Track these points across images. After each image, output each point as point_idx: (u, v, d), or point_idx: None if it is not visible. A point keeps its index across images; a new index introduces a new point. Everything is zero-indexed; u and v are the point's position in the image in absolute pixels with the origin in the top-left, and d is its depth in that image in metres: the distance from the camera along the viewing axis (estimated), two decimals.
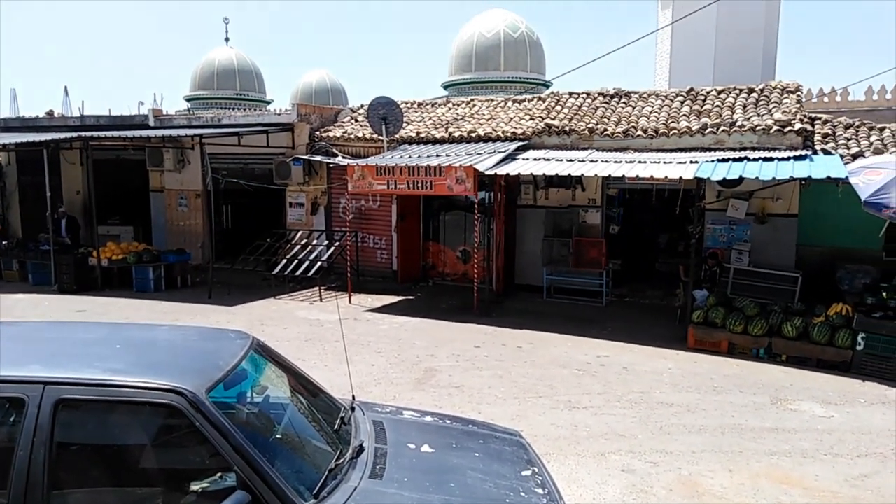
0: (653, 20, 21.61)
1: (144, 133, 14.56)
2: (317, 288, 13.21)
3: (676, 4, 18.93)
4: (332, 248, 13.97)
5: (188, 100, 30.62)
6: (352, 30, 72.28)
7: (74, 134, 13.62)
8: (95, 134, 13.66)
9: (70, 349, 3.45)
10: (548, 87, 26.95)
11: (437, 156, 12.26)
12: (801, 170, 9.33)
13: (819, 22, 56.24)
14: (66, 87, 19.40)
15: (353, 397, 4.10)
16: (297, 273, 13.42)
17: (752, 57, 19.36)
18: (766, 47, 19.65)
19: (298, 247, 14.19)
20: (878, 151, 10.61)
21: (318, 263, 13.48)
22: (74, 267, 13.41)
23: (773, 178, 9.21)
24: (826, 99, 14.73)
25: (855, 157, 10.54)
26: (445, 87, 28.48)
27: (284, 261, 13.73)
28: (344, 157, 14.09)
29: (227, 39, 31.96)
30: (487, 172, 10.96)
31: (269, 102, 31.90)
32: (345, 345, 7.86)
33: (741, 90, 13.04)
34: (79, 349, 3.45)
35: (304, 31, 72.26)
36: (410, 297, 13.00)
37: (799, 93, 12.60)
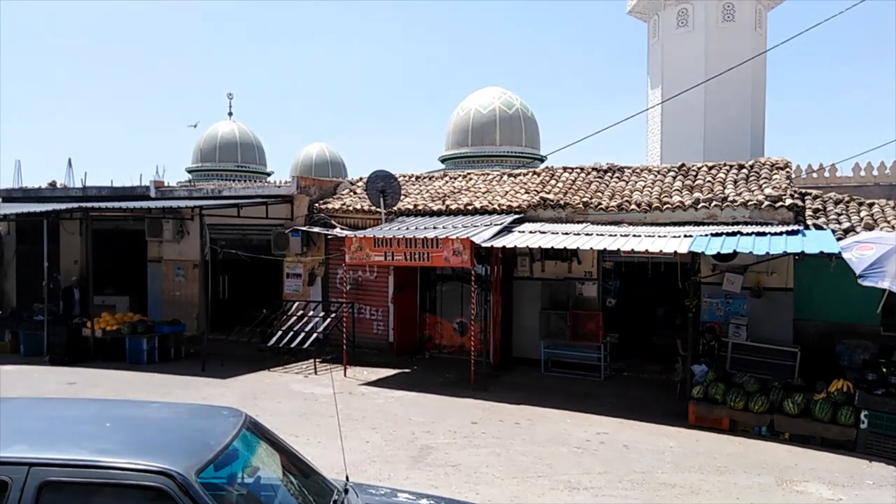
0: (643, 96, 22.38)
1: (145, 204, 14.73)
2: (312, 360, 13.05)
3: (665, 85, 19.64)
4: (329, 320, 13.89)
5: (190, 171, 31.15)
6: (352, 104, 74.55)
7: (75, 205, 13.78)
8: (96, 205, 13.82)
9: (58, 428, 3.38)
10: (542, 161, 27.56)
11: (435, 228, 12.39)
12: (794, 244, 9.43)
13: (805, 100, 58.27)
14: (69, 160, 19.73)
15: (347, 478, 3.99)
16: (293, 345, 13.29)
17: (741, 133, 19.96)
18: (754, 124, 20.28)
19: (294, 318, 14.11)
20: (868, 227, 10.77)
21: (314, 335, 13.37)
22: (67, 338, 13.27)
23: (767, 253, 9.30)
24: (815, 175, 15.08)
25: (846, 232, 10.68)
26: (443, 161, 29.08)
27: (280, 332, 13.62)
28: (342, 229, 14.22)
29: (230, 113, 32.83)
30: (484, 245, 11.05)
31: (269, 174, 32.46)
32: (339, 421, 7.70)
33: (732, 166, 13.34)
34: (67, 428, 3.38)
35: (306, 105, 74.49)
36: (406, 371, 12.83)
37: (788, 169, 12.89)
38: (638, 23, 23.06)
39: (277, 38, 73.89)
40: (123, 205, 14.45)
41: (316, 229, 14.67)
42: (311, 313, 14.25)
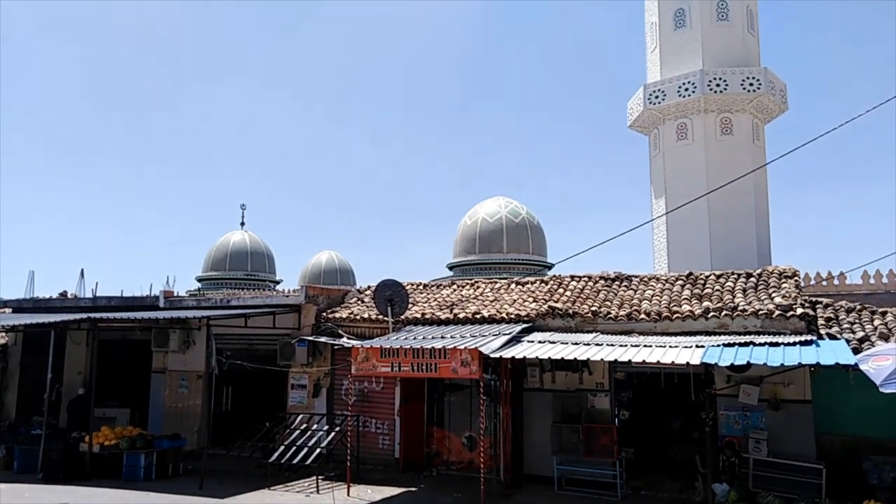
0: (648, 204, 22.81)
1: (152, 314, 14.76)
2: (314, 477, 12.52)
3: (669, 195, 20.06)
4: (333, 434, 13.47)
5: (200, 280, 31.50)
6: (362, 212, 76.50)
7: (83, 315, 13.81)
8: (104, 315, 13.85)
9: None
10: (550, 268, 27.72)
11: (442, 337, 12.26)
12: (808, 355, 9.22)
13: (810, 208, 59.35)
14: (82, 270, 20.07)
15: None
16: (295, 461, 12.81)
17: (747, 242, 20.12)
18: (760, 233, 20.48)
19: (298, 431, 13.70)
20: (883, 336, 10.57)
21: (318, 450, 12.91)
22: (63, 453, 12.87)
23: (782, 364, 9.07)
24: (824, 283, 15.01)
25: (861, 341, 10.47)
26: (451, 268, 29.33)
27: (282, 447, 13.17)
28: (349, 339, 14.09)
29: (242, 223, 33.65)
30: (493, 355, 10.86)
31: (278, 282, 32.77)
32: None
33: (740, 274, 13.34)
34: None
35: (317, 213, 76.47)
36: (413, 489, 12.25)
37: (797, 277, 12.87)
38: (640, 135, 23.94)
39: (290, 149, 77.11)
40: (131, 315, 14.48)
41: (323, 339, 14.55)
42: (314, 426, 13.85)
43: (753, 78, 20.49)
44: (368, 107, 77.52)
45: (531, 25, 73.03)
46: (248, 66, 73.77)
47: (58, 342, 15.02)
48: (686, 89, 20.83)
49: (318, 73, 76.99)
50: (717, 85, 20.48)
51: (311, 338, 14.75)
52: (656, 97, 21.45)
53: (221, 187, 71.41)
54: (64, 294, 18.41)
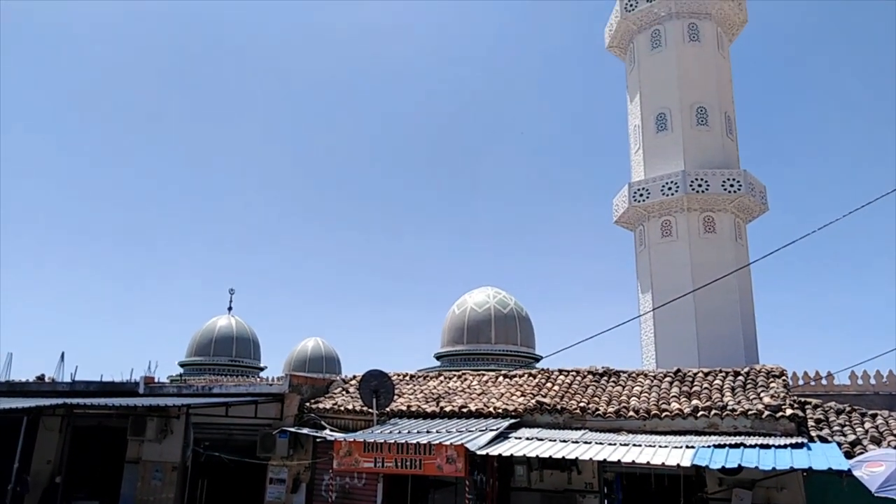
0: (635, 296, 22.99)
1: (130, 401, 14.35)
2: None
3: (655, 290, 20.28)
4: None
5: (182, 365, 30.90)
6: (350, 298, 76.27)
7: (60, 401, 13.42)
8: (80, 401, 13.46)
9: None
10: (538, 360, 27.52)
11: (428, 432, 11.97)
12: (800, 459, 9.07)
13: (796, 307, 59.95)
14: (62, 353, 19.65)
15: None
16: None
17: (734, 339, 20.20)
18: (746, 331, 20.59)
19: None
20: (875, 440, 10.46)
21: None
22: None
23: (773, 468, 8.91)
24: (812, 383, 14.99)
25: (853, 445, 10.35)
26: (438, 358, 29.03)
27: None
28: (332, 431, 13.73)
29: (230, 308, 33.41)
30: (479, 452, 10.59)
31: (262, 369, 32.20)
32: None
33: (728, 372, 13.30)
34: None
35: (305, 298, 76.13)
36: None
37: (784, 377, 12.85)
38: (625, 231, 24.47)
39: (279, 236, 77.74)
40: (108, 401, 14.07)
41: (305, 431, 14.16)
42: None
43: (734, 179, 21.26)
44: (358, 194, 79.12)
45: (518, 118, 76.02)
46: (238, 149, 75.65)
47: (30, 428, 14.49)
48: (669, 188, 21.53)
49: (306, 162, 78.96)
50: (699, 185, 21.20)
51: (293, 429, 14.35)
52: (641, 195, 22.11)
53: (210, 270, 71.34)
54: (41, 378, 17.95)
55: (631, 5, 24.30)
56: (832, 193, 60.76)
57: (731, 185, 21.12)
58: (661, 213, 21.97)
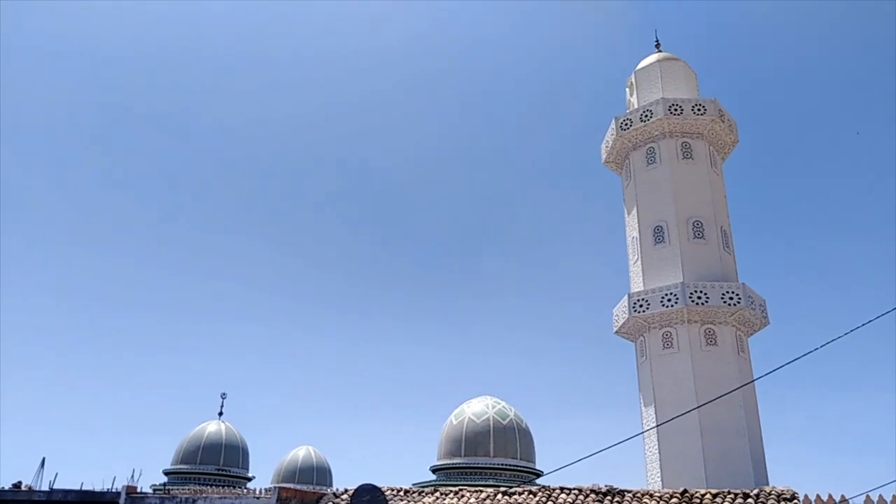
0: (637, 408, 22.40)
1: None
2: None
3: (658, 404, 19.80)
4: None
5: (167, 473, 29.66)
6: (343, 407, 74.37)
7: None
8: None
9: None
10: (538, 475, 26.46)
11: None
12: None
13: (804, 422, 58.36)
14: (43, 459, 18.88)
15: None
16: None
17: (741, 457, 19.49)
18: (753, 448, 19.92)
19: None
20: None
21: None
22: None
23: None
24: None
25: None
26: (434, 471, 27.93)
27: None
28: None
29: (220, 413, 32.53)
30: None
31: (250, 479, 30.89)
32: None
33: (736, 494, 12.74)
34: None
35: (297, 405, 74.22)
36: None
37: (796, 500, 12.28)
38: (625, 342, 24.26)
39: (273, 340, 76.96)
40: None
41: None
42: None
43: (733, 292, 21.33)
44: (355, 297, 79.17)
45: (515, 224, 77.48)
46: (230, 252, 76.50)
47: None
48: (669, 300, 21.55)
49: (300, 268, 79.71)
50: (699, 297, 21.25)
51: None
52: (641, 306, 22.11)
53: (201, 372, 70.04)
54: (18, 485, 17.15)
55: (626, 124, 25.42)
56: (834, 305, 60.83)
57: (731, 298, 21.16)
58: (661, 325, 21.87)
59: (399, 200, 77.69)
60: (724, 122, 24.97)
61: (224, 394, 33.32)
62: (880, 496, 14.23)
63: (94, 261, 72.61)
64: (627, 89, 28.16)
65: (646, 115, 24.85)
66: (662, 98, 24.81)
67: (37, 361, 68.69)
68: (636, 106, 26.33)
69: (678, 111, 24.44)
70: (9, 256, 65.21)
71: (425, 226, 78.91)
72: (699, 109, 24.51)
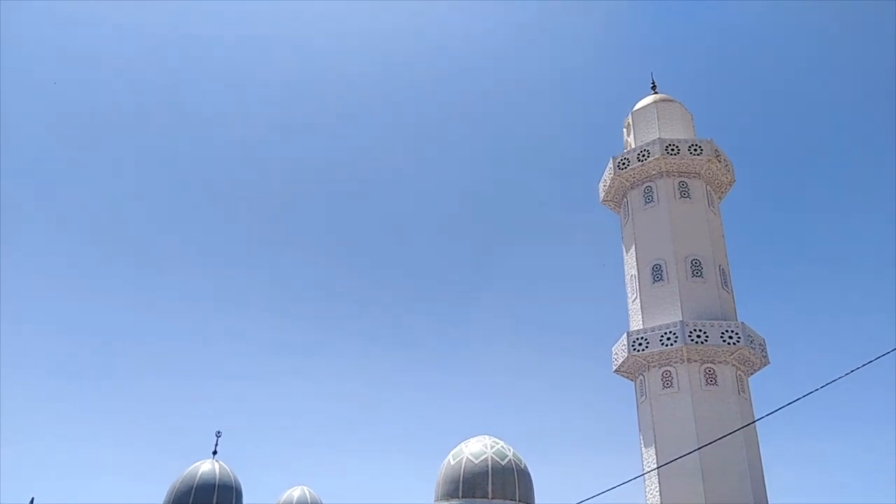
0: (636, 447, 22.10)
1: None
2: None
3: (658, 445, 19.57)
4: None
5: None
6: (339, 447, 73.25)
7: None
8: None
9: None
10: None
11: None
12: None
13: (804, 460, 57.49)
14: (32, 500, 18.47)
15: None
16: None
17: (744, 497, 19.19)
18: (755, 488, 19.68)
19: None
20: None
21: None
22: None
23: None
24: None
25: None
26: None
27: None
28: None
29: (214, 452, 31.96)
30: None
31: None
32: None
33: None
34: None
35: (292, 444, 73.11)
36: None
37: None
38: (624, 381, 24.06)
39: (271, 375, 76.20)
40: None
41: None
42: None
43: (732, 331, 21.28)
44: (350, 336, 78.70)
45: (512, 260, 77.55)
46: (224, 287, 76.29)
47: None
48: (668, 338, 21.48)
49: (295, 301, 79.45)
50: (699, 336, 21.18)
51: None
52: (640, 344, 22.02)
53: (194, 411, 69.09)
54: None
55: (623, 163, 25.70)
56: (838, 344, 60.56)
57: (731, 337, 21.10)
58: (661, 364, 21.74)
59: (398, 237, 77.92)
60: (720, 161, 25.26)
61: (219, 432, 32.77)
62: None
63: (83, 295, 72.33)
64: (625, 129, 28.56)
65: (643, 155, 25.15)
66: (659, 138, 25.15)
67: (25, 398, 67.83)
68: (633, 146, 26.68)
69: (675, 151, 24.74)
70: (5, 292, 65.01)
71: (423, 264, 78.95)
72: (695, 150, 24.82)
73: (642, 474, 19.03)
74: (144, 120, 70.62)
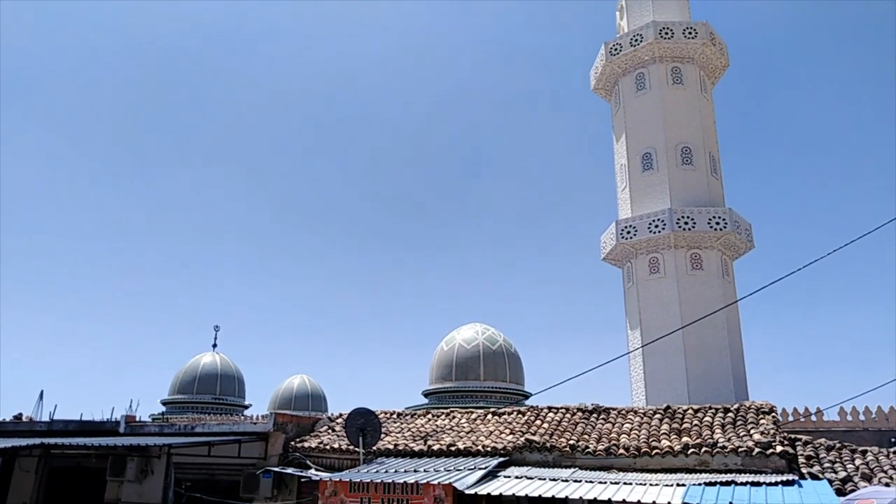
0: (623, 332, 22.96)
1: (110, 441, 14.01)
2: None
3: (644, 327, 20.28)
4: None
5: (165, 403, 30.33)
6: (336, 337, 75.65)
7: (37, 440, 13.07)
8: (58, 441, 13.12)
9: None
10: (527, 397, 27.29)
11: (415, 471, 11.75)
12: (791, 496, 8.99)
13: (785, 342, 60.13)
14: (41, 392, 19.21)
15: None
16: None
17: (723, 375, 20.16)
18: (735, 366, 20.58)
19: None
20: (865, 477, 10.39)
21: None
22: None
23: None
24: (802, 419, 14.94)
25: (844, 482, 10.28)
26: (426, 395, 28.72)
27: None
28: (317, 470, 13.45)
29: (214, 345, 32.99)
30: (467, 491, 10.39)
31: (247, 407, 31.68)
32: None
33: (717, 409, 13.23)
34: None
35: (291, 335, 75.42)
36: None
37: (774, 414, 12.79)
38: (612, 268, 24.58)
39: (266, 277, 77.38)
40: (87, 441, 13.73)
41: (289, 470, 13.86)
42: None
43: (719, 217, 21.52)
44: (345, 230, 79.21)
45: (504, 153, 76.94)
46: (222, 184, 75.81)
47: (5, 470, 14.10)
48: (656, 226, 21.74)
49: (291, 198, 79.20)
50: (686, 223, 21.43)
51: (277, 469, 14.04)
52: (628, 233, 22.30)
53: (195, 306, 70.62)
54: (19, 417, 17.53)
55: (615, 49, 24.91)
56: (819, 228, 61.63)
57: (717, 223, 21.38)
58: (648, 251, 22.13)
59: (388, 133, 76.59)
60: (714, 45, 24.51)
61: (217, 326, 33.76)
62: (854, 407, 14.88)
63: (91, 199, 71.77)
64: (618, 13, 27.43)
65: (636, 40, 24.33)
66: (653, 21, 24.24)
67: (33, 295, 68.87)
68: (626, 30, 25.73)
69: (669, 35, 23.93)
70: (7, 191, 64.27)
71: (415, 156, 78.15)
72: (690, 33, 24.01)
73: (627, 353, 19.89)
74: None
